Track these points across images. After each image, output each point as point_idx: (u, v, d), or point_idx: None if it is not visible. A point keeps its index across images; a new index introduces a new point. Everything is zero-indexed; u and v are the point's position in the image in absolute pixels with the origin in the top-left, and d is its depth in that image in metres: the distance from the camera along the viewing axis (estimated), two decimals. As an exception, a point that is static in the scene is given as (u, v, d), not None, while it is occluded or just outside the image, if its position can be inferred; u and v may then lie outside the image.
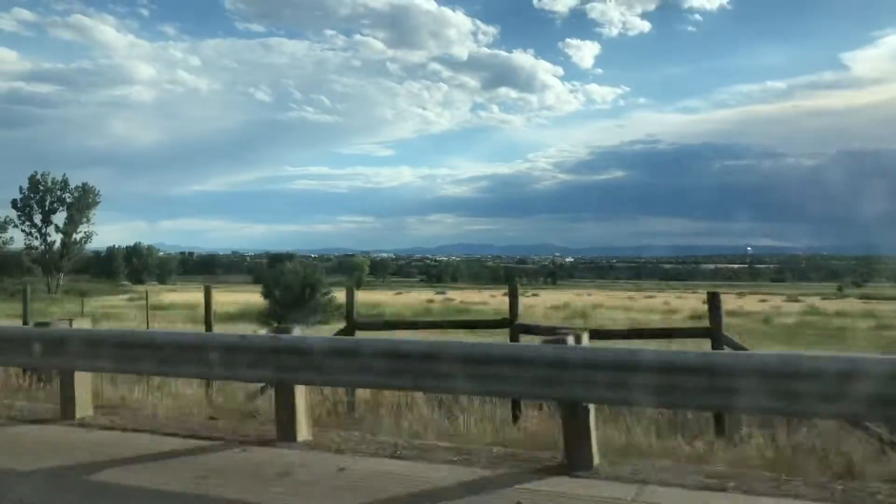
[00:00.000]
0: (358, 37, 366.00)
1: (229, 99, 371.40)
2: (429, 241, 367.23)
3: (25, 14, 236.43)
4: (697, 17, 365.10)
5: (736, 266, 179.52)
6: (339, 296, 39.51)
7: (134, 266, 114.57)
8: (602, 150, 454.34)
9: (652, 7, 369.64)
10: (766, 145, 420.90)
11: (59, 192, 70.35)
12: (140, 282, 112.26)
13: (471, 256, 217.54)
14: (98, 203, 72.24)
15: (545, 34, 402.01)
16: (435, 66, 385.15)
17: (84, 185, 71.94)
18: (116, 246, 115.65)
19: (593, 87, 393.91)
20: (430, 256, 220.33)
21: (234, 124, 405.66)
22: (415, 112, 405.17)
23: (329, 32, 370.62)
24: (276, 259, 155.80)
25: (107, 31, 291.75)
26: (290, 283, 32.64)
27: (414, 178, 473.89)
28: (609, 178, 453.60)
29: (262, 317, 30.90)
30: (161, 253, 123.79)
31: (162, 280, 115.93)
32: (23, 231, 70.79)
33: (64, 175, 71.59)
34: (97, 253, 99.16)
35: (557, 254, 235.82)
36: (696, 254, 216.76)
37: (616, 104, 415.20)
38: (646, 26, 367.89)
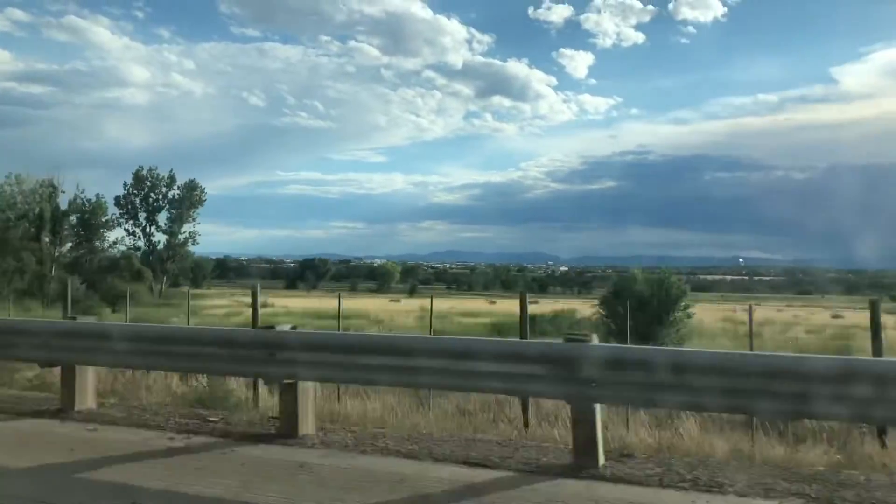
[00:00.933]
0: (353, 43, 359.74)
1: (223, 103, 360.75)
2: (420, 247, 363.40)
3: (19, 14, 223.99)
4: (691, 29, 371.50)
5: (737, 277, 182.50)
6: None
7: (169, 269, 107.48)
8: (594, 160, 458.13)
9: (646, 19, 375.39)
10: (756, 158, 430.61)
11: (164, 189, 64.62)
12: (175, 285, 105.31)
13: (464, 263, 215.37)
14: (204, 201, 66.69)
15: (539, 44, 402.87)
16: (429, 73, 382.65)
17: (192, 181, 66.26)
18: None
19: (586, 98, 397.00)
20: (424, 263, 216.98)
21: (228, 128, 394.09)
22: (408, 119, 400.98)
23: (324, 38, 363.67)
24: (310, 264, 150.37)
25: (101, 32, 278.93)
26: (645, 295, 29.32)
27: (406, 184, 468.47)
28: (601, 188, 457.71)
29: (603, 333, 27.29)
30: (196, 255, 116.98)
31: (196, 284, 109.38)
32: (126, 230, 64.42)
33: (171, 171, 65.56)
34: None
35: (550, 262, 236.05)
36: (688, 265, 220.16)
37: (609, 114, 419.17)
38: (640, 38, 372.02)
